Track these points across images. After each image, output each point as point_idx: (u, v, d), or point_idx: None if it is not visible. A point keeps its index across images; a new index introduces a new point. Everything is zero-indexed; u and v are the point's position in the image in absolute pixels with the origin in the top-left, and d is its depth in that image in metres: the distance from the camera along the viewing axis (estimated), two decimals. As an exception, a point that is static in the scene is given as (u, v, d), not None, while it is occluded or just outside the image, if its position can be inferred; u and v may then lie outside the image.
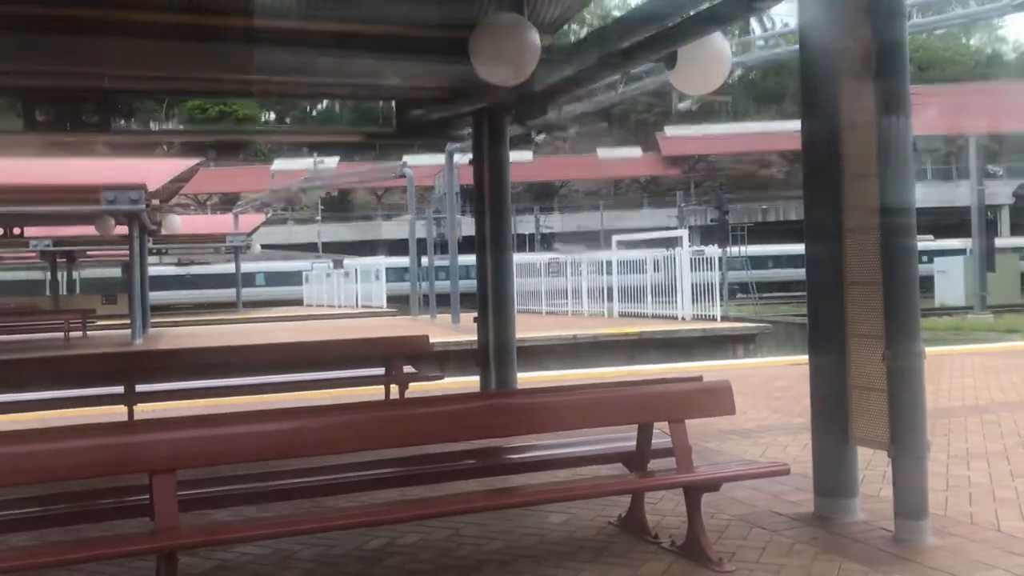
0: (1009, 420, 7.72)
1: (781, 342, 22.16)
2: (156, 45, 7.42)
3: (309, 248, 59.41)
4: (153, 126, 62.44)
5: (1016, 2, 14.27)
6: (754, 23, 19.70)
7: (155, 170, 20.83)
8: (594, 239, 51.14)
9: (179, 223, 26.09)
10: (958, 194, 52.98)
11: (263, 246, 46.10)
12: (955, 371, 11.18)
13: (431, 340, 9.27)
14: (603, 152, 70.70)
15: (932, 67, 75.58)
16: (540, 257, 31.38)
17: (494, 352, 9.21)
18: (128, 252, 23.08)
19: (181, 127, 62.55)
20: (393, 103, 10.35)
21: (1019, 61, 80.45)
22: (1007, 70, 79.23)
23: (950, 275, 35.72)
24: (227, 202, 62.31)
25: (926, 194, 50.67)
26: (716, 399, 4.65)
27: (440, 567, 4.37)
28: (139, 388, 7.71)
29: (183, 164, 22.09)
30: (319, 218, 62.87)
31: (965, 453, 6.47)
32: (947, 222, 47.52)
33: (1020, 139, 51.49)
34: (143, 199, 18.72)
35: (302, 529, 4.03)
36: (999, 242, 34.51)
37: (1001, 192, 46.18)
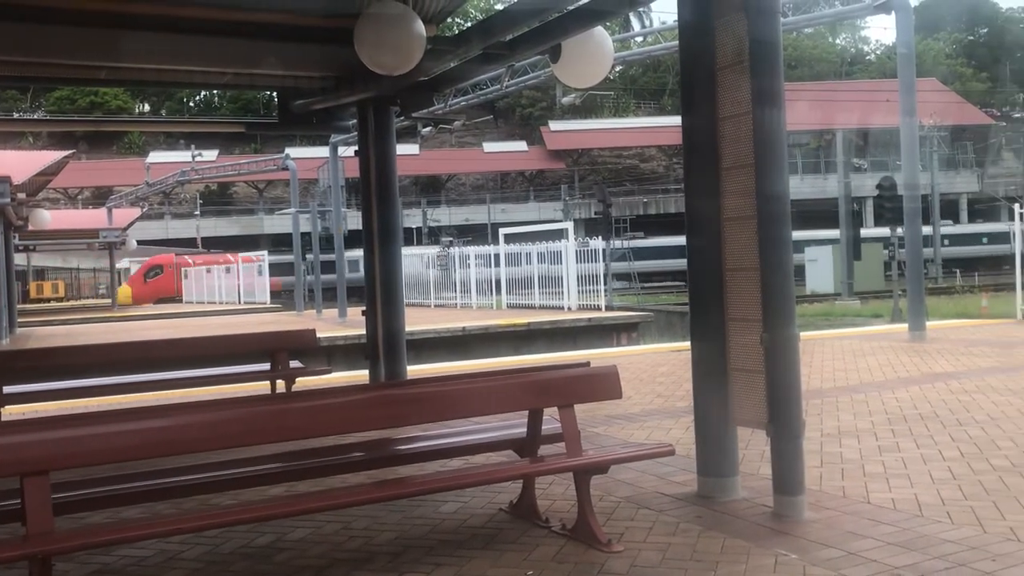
0: (876, 399, 8.15)
1: (663, 330, 22.75)
2: (18, 28, 7.05)
3: (189, 244, 57.51)
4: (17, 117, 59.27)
5: (877, 3, 15.02)
6: (633, 20, 20.11)
7: (20, 162, 19.80)
8: (481, 232, 51.30)
9: (48, 218, 24.87)
10: (827, 186, 55.51)
11: (139, 242, 44.40)
12: (826, 354, 11.72)
13: (317, 335, 9.13)
14: (489, 146, 71.03)
15: (801, 64, 78.76)
16: (428, 250, 31.29)
17: (383, 345, 9.15)
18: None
19: (48, 117, 59.48)
20: (275, 93, 10.13)
21: (880, 60, 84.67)
22: (870, 69, 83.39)
23: (820, 264, 37.42)
24: (100, 196, 59.79)
25: (797, 186, 52.86)
26: (604, 384, 4.75)
27: (330, 561, 4.31)
28: (7, 390, 7.31)
29: (51, 156, 21.05)
30: (198, 212, 60.96)
31: (837, 431, 6.80)
32: (817, 213, 49.65)
33: (883, 134, 54.23)
34: (8, 192, 17.76)
35: (185, 528, 3.90)
36: (864, 232, 36.26)
37: (866, 184, 48.55)
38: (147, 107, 79.63)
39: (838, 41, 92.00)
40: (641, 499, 5.11)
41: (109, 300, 41.10)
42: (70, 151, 23.21)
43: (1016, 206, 16.70)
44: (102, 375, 7.98)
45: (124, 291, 48.76)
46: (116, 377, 7.93)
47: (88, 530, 4.16)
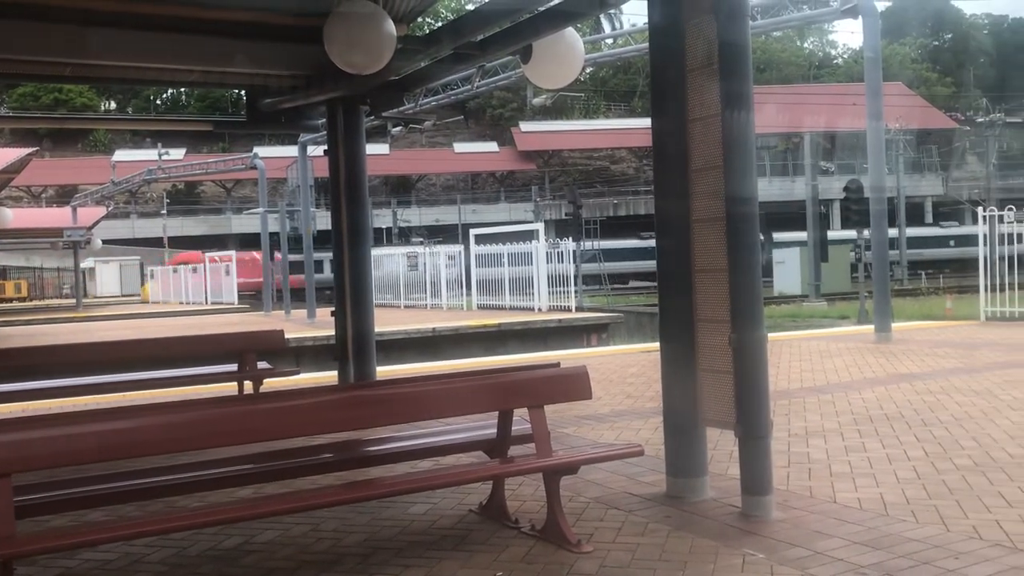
0: (843, 400, 8.23)
1: (632, 331, 22.85)
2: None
3: (155, 243, 56.92)
4: (-21, 113, 58.42)
5: (844, 7, 15.18)
6: (604, 21, 20.18)
7: (-18, 159, 19.49)
8: (452, 233, 51.24)
9: (10, 216, 24.51)
10: (794, 189, 56.03)
11: (104, 241, 43.89)
12: (793, 355, 11.83)
13: (286, 335, 9.06)
14: (460, 146, 70.97)
15: (770, 68, 79.49)
16: (398, 250, 31.18)
17: (353, 346, 9.09)
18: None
19: (11, 114, 58.59)
20: (244, 91, 10.05)
21: (847, 64, 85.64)
22: (837, 72, 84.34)
23: (787, 265, 37.78)
24: (64, 195, 59.02)
25: (765, 189, 53.34)
26: (573, 384, 4.75)
27: (299, 563, 4.28)
28: (-33, 392, 7.18)
29: (13, 153, 20.74)
30: (164, 212, 60.33)
31: (804, 431, 6.86)
32: (784, 215, 50.13)
33: (850, 137, 54.87)
34: (-32, 190, 17.46)
35: (150, 530, 3.84)
36: (831, 234, 36.63)
37: (833, 187, 49.04)
38: (113, 104, 78.72)
39: (806, 45, 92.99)
40: (610, 499, 5.13)
41: (73, 300, 40.52)
42: (33, 148, 22.84)
43: (980, 209, 16.96)
44: (67, 376, 7.86)
45: (146, 290, 47.66)
46: (81, 378, 7.81)
47: (51, 533, 4.09)
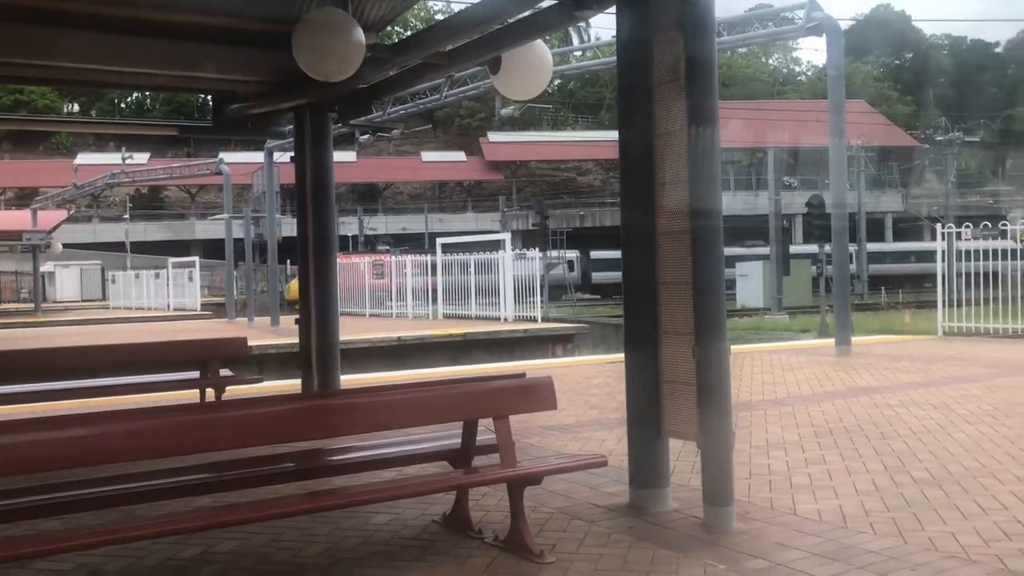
0: (804, 412, 8.32)
1: (597, 342, 22.92)
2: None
3: (117, 248, 56.15)
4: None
5: (808, 25, 15.42)
6: (573, 34, 20.29)
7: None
8: (418, 242, 51.16)
9: (-33, 218, 24.04)
10: (758, 203, 56.63)
11: (65, 245, 43.22)
12: (755, 367, 11.94)
13: (249, 343, 8.98)
14: (427, 155, 70.94)
15: (735, 84, 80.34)
16: (364, 259, 31.01)
17: (316, 354, 9.02)
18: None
19: (-31, 115, 57.57)
20: (210, 96, 9.97)
21: (810, 81, 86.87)
22: (801, 89, 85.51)
23: (750, 279, 38.15)
24: (24, 197, 58.10)
25: (729, 203, 53.84)
26: (538, 395, 4.76)
27: (259, 574, 4.24)
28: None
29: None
30: (127, 216, 59.56)
31: (765, 443, 6.93)
32: (748, 229, 50.62)
33: (813, 153, 55.58)
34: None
35: (106, 540, 3.77)
36: (794, 248, 37.01)
37: (796, 202, 49.64)
38: (76, 107, 77.66)
39: (771, 62, 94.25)
40: (574, 510, 5.14)
41: (32, 304, 39.80)
42: (-7, 150, 22.45)
43: (938, 226, 17.26)
44: (23, 382, 7.72)
45: (294, 286, 46.31)
46: (40, 384, 7.68)
47: (4, 543, 4.01)
